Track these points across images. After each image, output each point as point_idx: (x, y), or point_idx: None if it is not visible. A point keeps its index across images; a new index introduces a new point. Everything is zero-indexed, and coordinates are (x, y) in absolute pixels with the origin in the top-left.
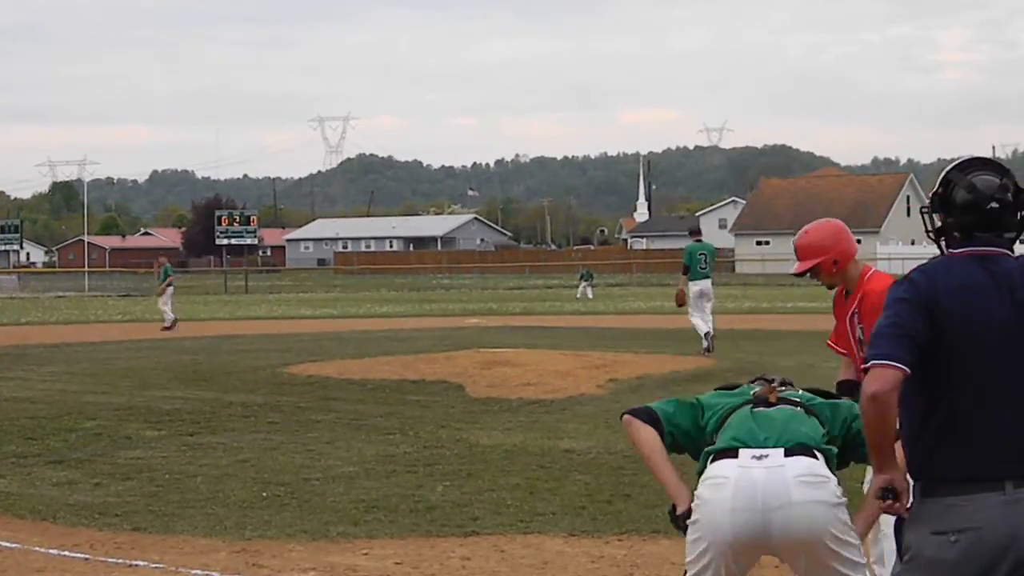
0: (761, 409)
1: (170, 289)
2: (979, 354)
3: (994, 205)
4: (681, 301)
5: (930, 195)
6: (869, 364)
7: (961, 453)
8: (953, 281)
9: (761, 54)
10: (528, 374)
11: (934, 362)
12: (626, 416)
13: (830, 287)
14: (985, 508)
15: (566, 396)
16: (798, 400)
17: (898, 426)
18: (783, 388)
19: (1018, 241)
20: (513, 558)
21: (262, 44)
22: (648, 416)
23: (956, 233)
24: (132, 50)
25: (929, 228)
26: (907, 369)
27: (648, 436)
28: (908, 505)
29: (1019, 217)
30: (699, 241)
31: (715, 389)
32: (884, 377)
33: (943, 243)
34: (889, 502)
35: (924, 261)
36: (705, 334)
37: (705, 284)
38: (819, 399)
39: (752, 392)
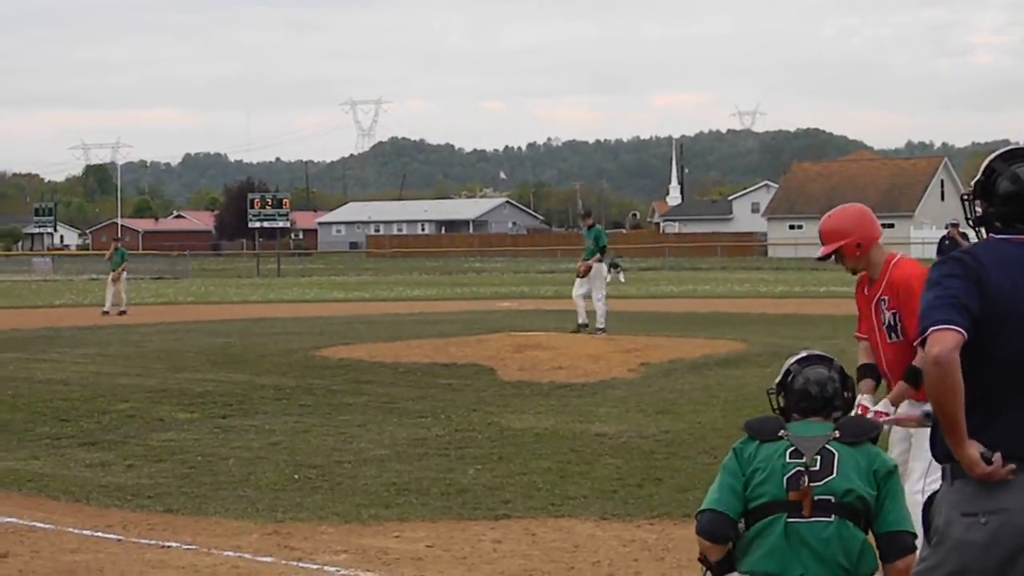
0: (795, 522)
1: (125, 274)
2: (1014, 336)
3: None
4: (584, 273)
5: (972, 183)
6: (926, 333)
7: (992, 432)
8: (997, 258)
9: (793, 37)
10: (559, 358)
11: (973, 342)
12: (704, 543)
13: (853, 272)
14: (1016, 490)
15: (597, 380)
16: (833, 501)
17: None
18: (817, 474)
19: None
20: (544, 541)
21: (293, 28)
22: (719, 533)
23: (997, 223)
24: (164, 34)
25: (969, 216)
26: (964, 333)
27: (719, 552)
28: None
29: None
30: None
31: (747, 426)
32: (944, 340)
33: (983, 231)
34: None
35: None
36: (606, 316)
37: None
38: (850, 454)
39: (787, 490)
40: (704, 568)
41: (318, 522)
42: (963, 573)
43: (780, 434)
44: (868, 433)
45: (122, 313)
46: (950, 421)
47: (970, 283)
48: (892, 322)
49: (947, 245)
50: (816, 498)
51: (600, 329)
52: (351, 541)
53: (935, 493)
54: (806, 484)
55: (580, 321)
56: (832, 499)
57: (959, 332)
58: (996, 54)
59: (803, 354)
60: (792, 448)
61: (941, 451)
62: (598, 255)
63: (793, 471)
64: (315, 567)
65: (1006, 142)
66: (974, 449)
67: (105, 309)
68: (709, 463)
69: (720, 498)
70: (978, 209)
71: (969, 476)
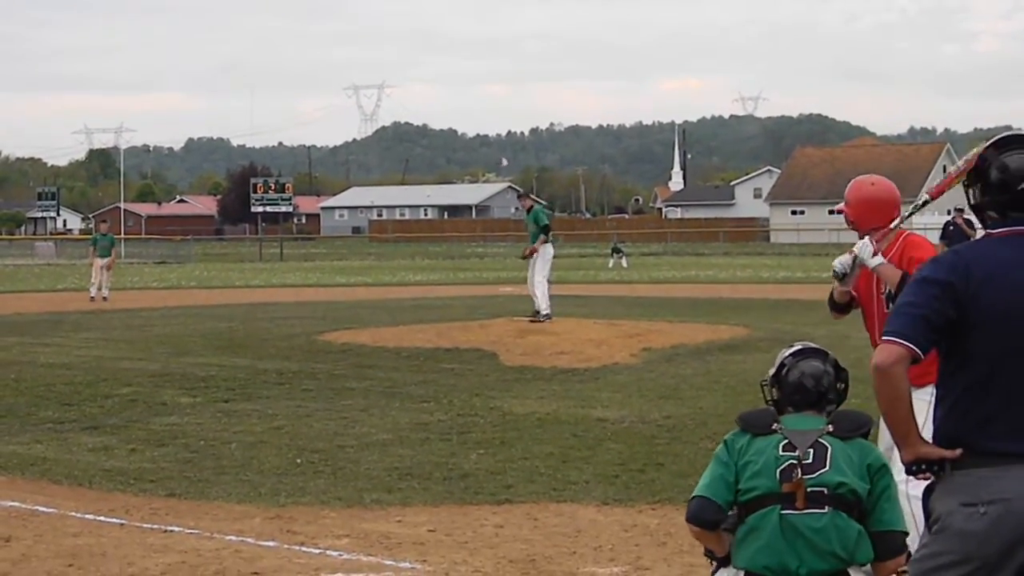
0: (790, 514)
1: (108, 260)
2: (1011, 334)
3: None
4: (528, 256)
5: (968, 171)
6: (882, 339)
7: (991, 429)
8: (984, 262)
9: (797, 22)
10: (562, 343)
11: (963, 340)
12: (693, 529)
13: (861, 236)
14: (1015, 480)
15: (600, 365)
16: (826, 493)
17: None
18: (809, 467)
19: None
20: (546, 526)
21: (297, 12)
22: (706, 518)
23: (991, 212)
24: (168, 17)
25: (970, 203)
26: (913, 347)
27: (712, 539)
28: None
29: None
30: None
31: (740, 419)
32: (887, 352)
33: (983, 218)
34: (924, 475)
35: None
36: (548, 301)
37: None
38: (843, 448)
39: (780, 482)
40: (711, 561)
41: (321, 506)
42: (964, 562)
43: (773, 427)
44: (861, 428)
45: (93, 300)
46: (891, 427)
47: (940, 291)
48: (893, 293)
49: (952, 231)
50: (809, 490)
51: (545, 315)
52: (353, 525)
53: (934, 482)
54: (799, 476)
55: (537, 308)
56: (825, 491)
57: (907, 347)
58: (1000, 40)
59: (798, 346)
60: (785, 441)
61: (939, 440)
62: (544, 237)
63: (786, 464)
64: (317, 551)
65: (1009, 128)
66: (915, 451)
67: (104, 295)
68: (711, 448)
69: (708, 485)
70: (974, 196)
71: (968, 467)
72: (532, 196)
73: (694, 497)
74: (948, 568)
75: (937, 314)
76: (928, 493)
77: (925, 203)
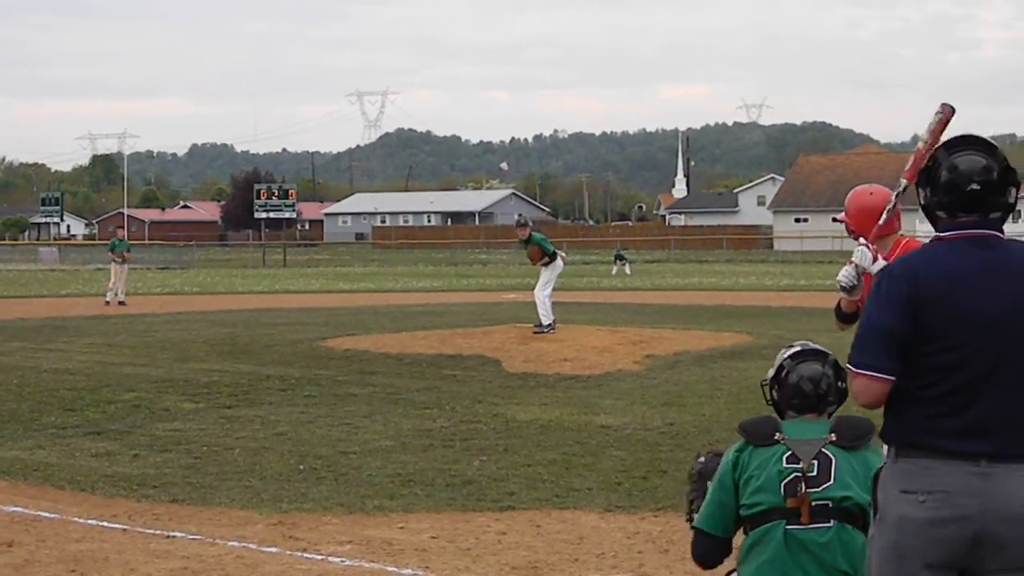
0: (794, 529)
1: (125, 265)
2: (964, 342)
3: (975, 187)
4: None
5: (918, 171)
6: (856, 371)
7: (938, 429)
8: (935, 270)
9: (800, 29)
10: (565, 349)
11: (918, 346)
12: (701, 567)
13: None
14: (956, 473)
15: (603, 372)
16: (830, 506)
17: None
18: (814, 480)
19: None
20: (549, 533)
21: (301, 18)
22: (709, 560)
23: (940, 213)
24: (171, 23)
25: (920, 203)
26: (889, 377)
27: (713, 568)
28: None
29: (1006, 197)
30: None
31: (741, 429)
32: (868, 391)
33: (933, 219)
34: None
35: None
36: (547, 311)
37: None
38: (848, 460)
39: (785, 496)
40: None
41: (323, 512)
42: (898, 547)
43: (776, 437)
44: (865, 437)
45: (108, 304)
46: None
47: (898, 306)
48: None
49: None
50: (813, 504)
51: (548, 325)
52: (356, 532)
53: (879, 471)
54: (803, 491)
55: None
56: (830, 504)
57: (888, 380)
58: (1003, 48)
59: (797, 348)
60: (788, 453)
61: (888, 431)
62: (547, 258)
63: (790, 477)
64: (319, 558)
65: (1012, 136)
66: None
67: (108, 299)
68: None
69: (709, 516)
70: (924, 197)
71: (911, 456)
72: (531, 224)
73: (696, 531)
74: (890, 559)
75: (900, 329)
76: (874, 483)
77: (905, 188)
